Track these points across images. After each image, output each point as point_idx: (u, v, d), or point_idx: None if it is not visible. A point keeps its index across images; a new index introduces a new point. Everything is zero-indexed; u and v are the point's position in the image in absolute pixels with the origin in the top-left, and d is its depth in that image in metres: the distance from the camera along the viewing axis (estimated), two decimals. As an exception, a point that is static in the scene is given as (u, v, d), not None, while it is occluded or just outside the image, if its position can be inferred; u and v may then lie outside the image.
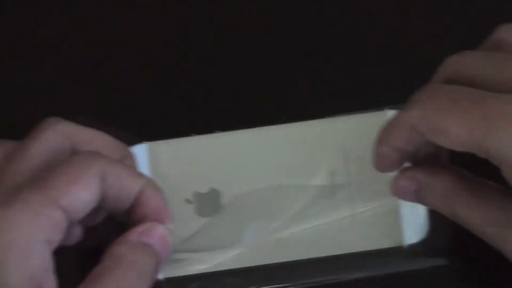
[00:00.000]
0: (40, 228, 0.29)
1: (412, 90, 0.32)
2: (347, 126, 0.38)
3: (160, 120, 0.42)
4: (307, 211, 0.37)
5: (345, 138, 0.38)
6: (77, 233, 0.34)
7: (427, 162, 0.34)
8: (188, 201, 0.38)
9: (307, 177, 0.38)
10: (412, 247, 0.37)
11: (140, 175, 0.34)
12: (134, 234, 0.32)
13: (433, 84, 0.32)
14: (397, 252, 0.37)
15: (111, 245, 0.32)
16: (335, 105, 0.39)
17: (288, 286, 0.37)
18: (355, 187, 0.37)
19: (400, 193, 0.35)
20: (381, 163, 0.34)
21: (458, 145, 0.30)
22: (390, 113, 0.38)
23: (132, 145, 0.38)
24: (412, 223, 0.36)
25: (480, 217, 0.32)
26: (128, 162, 0.35)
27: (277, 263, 0.37)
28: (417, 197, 0.34)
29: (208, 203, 0.37)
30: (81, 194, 0.31)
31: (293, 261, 0.37)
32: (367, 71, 0.42)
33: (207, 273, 0.37)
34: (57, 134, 0.33)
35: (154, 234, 0.33)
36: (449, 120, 0.29)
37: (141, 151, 0.38)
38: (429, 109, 0.30)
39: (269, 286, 0.37)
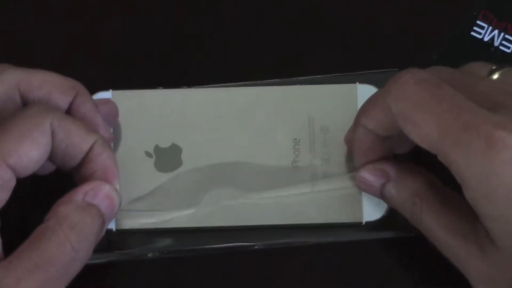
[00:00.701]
0: None
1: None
2: (315, 95, 0.38)
3: (126, 71, 0.41)
4: (267, 178, 0.37)
5: (312, 107, 0.38)
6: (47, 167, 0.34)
7: (396, 161, 0.34)
8: (148, 154, 0.37)
9: (271, 141, 0.37)
10: (371, 224, 0.37)
11: (91, 131, 0.32)
12: (79, 194, 0.31)
13: (425, 71, 0.31)
14: (356, 227, 0.37)
15: (55, 204, 0.31)
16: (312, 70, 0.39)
17: (239, 246, 0.37)
18: (317, 158, 0.37)
19: (364, 185, 0.35)
20: (357, 148, 0.34)
21: (424, 142, 0.29)
22: (359, 88, 0.38)
23: (96, 92, 0.37)
24: (372, 201, 0.36)
25: (446, 226, 0.31)
26: (82, 99, 0.34)
27: (231, 226, 0.37)
28: (381, 193, 0.34)
29: (168, 158, 0.37)
30: (30, 152, 0.30)
31: (245, 225, 0.37)
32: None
33: (160, 228, 0.37)
34: (5, 83, 0.32)
35: (100, 194, 0.32)
36: (425, 115, 0.29)
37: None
38: (410, 97, 0.30)
39: (220, 245, 0.37)
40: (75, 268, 0.30)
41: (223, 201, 0.37)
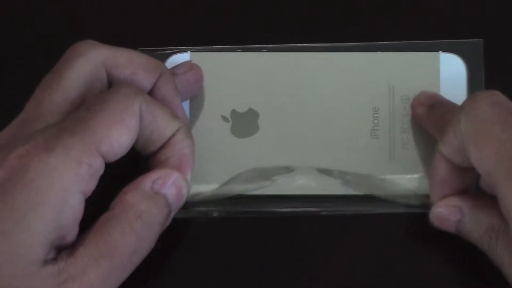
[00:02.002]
0: (79, 179, 0.27)
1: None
2: (396, 63, 0.37)
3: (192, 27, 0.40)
4: (344, 147, 0.36)
5: (393, 75, 0.37)
6: None
7: (471, 194, 0.33)
8: (225, 118, 0.36)
9: (349, 109, 0.36)
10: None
11: (176, 118, 0.32)
12: (148, 182, 0.30)
13: (503, 95, 0.30)
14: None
15: (122, 191, 0.30)
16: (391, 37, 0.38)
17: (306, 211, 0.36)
18: (396, 128, 0.36)
19: (439, 221, 0.33)
20: (434, 177, 0.33)
21: (480, 166, 0.29)
22: (442, 56, 0.37)
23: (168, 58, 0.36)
24: None
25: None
26: (165, 80, 0.33)
27: (306, 194, 0.36)
28: (456, 228, 0.33)
29: (245, 123, 0.36)
30: (121, 138, 0.29)
31: (320, 194, 0.36)
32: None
33: (233, 195, 0.36)
34: (93, 61, 0.31)
35: (168, 182, 0.31)
36: (488, 138, 0.28)
37: (182, 60, 0.36)
38: (479, 116, 0.29)
39: (289, 209, 0.36)
40: (139, 257, 0.29)
41: (299, 170, 0.36)
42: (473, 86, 0.37)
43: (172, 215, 0.31)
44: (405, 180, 0.36)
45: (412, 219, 0.36)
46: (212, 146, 0.36)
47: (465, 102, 0.30)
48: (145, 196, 0.30)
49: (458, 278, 0.36)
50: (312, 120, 0.36)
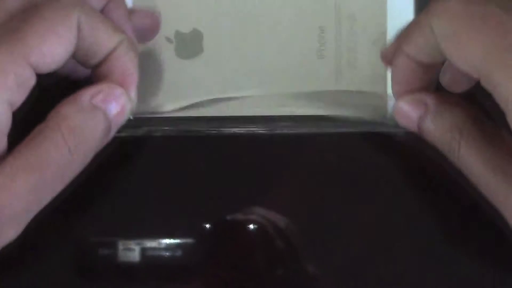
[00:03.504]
0: (5, 89, 0.27)
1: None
2: None
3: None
4: (290, 68, 0.36)
5: None
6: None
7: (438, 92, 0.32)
8: (168, 39, 0.36)
9: (295, 29, 0.36)
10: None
11: (118, 31, 0.31)
12: (86, 95, 0.29)
13: None
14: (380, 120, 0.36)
15: (59, 104, 0.29)
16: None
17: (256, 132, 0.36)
18: (343, 48, 0.36)
19: (400, 116, 0.32)
20: (395, 76, 0.32)
21: (466, 63, 0.27)
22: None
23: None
24: None
25: (486, 162, 0.29)
26: (116, 4, 0.32)
27: (252, 115, 0.36)
28: (418, 125, 0.32)
29: (189, 44, 0.36)
30: (54, 50, 0.28)
31: (266, 115, 0.36)
32: None
33: (180, 117, 0.36)
34: None
35: (109, 98, 0.30)
36: (470, 34, 0.27)
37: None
38: (454, 15, 0.28)
39: (237, 129, 0.36)
40: (71, 172, 0.29)
41: (244, 90, 0.36)
42: (420, 2, 0.36)
43: (112, 133, 0.31)
44: (352, 98, 0.36)
45: (360, 138, 0.36)
46: (156, 67, 0.35)
47: (432, 6, 0.29)
48: (82, 109, 0.29)
49: (409, 193, 0.36)
50: (257, 40, 0.36)
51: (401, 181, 0.37)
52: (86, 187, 0.33)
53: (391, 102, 0.35)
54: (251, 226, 0.37)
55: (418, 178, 0.37)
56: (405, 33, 0.31)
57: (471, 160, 0.30)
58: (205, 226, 0.37)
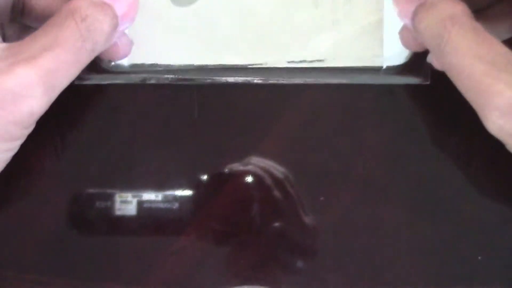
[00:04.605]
0: None
1: None
2: None
3: None
4: (285, 16, 0.35)
5: None
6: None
7: None
8: (163, -14, 0.35)
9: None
10: (392, 69, 0.35)
11: None
12: None
13: None
14: (376, 71, 0.35)
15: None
16: None
17: (250, 81, 0.35)
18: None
19: (399, 9, 0.32)
20: None
21: None
22: None
23: None
24: (394, 45, 0.35)
25: (474, 49, 0.28)
26: None
27: (246, 64, 0.35)
28: (412, 17, 0.31)
29: (184, -9, 0.35)
30: None
31: (259, 64, 0.35)
32: None
33: (173, 65, 0.35)
34: None
35: None
36: None
37: None
38: None
39: (230, 78, 0.35)
40: (83, 60, 0.30)
41: (240, 40, 0.35)
42: None
43: (118, 31, 0.32)
44: (347, 50, 0.35)
45: (356, 89, 0.36)
46: (152, 15, 0.35)
47: None
48: (92, 3, 0.30)
49: (405, 145, 0.36)
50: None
51: (397, 133, 0.37)
52: (82, 136, 0.33)
53: (388, 48, 0.35)
54: (249, 178, 0.37)
55: (413, 129, 0.37)
56: None
57: (459, 48, 0.29)
58: (202, 178, 0.37)
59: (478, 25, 0.29)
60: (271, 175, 0.37)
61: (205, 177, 0.37)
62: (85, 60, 0.30)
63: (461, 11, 0.30)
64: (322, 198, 0.36)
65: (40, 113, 0.29)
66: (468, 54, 0.28)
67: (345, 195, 0.36)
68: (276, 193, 0.37)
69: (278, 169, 0.37)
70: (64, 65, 0.29)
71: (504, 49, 0.28)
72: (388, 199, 0.36)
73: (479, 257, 0.36)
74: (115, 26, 0.31)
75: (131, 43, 0.34)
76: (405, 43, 0.33)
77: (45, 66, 0.28)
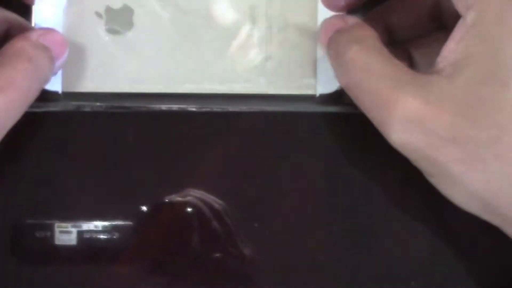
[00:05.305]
0: None
1: None
2: None
3: None
4: (220, 43, 0.36)
5: None
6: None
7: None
8: (98, 15, 0.35)
9: (226, 5, 0.35)
10: (324, 97, 0.36)
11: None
12: (34, 34, 0.32)
13: None
14: (308, 99, 0.36)
15: (10, 42, 0.31)
16: None
17: (183, 109, 0.36)
18: (273, 25, 0.35)
19: (324, 27, 0.33)
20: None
21: None
22: None
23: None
24: (328, 74, 0.35)
25: (379, 68, 0.29)
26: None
27: (179, 93, 0.36)
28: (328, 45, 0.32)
29: (120, 20, 0.35)
30: None
31: (193, 93, 0.36)
32: None
33: (108, 93, 0.35)
34: None
35: (52, 38, 0.32)
36: None
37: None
38: None
39: (165, 106, 0.35)
40: (32, 97, 0.31)
41: (174, 65, 0.35)
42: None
43: (55, 70, 0.33)
44: (281, 78, 0.36)
45: (290, 118, 0.36)
46: (87, 43, 0.35)
47: None
48: (33, 44, 0.31)
49: (340, 170, 0.36)
50: (187, 14, 0.35)
51: (332, 160, 0.36)
52: (17, 165, 0.34)
53: (321, 76, 0.35)
54: (188, 209, 0.37)
55: (348, 157, 0.36)
56: None
57: (363, 66, 0.29)
58: (142, 209, 0.37)
59: (384, 49, 0.30)
60: (209, 206, 0.36)
61: (144, 207, 0.36)
62: (33, 97, 0.31)
63: (369, 35, 0.30)
64: (256, 225, 0.36)
65: None
66: (373, 71, 0.29)
67: (284, 226, 0.36)
68: (215, 224, 0.36)
69: (216, 200, 0.36)
70: (15, 105, 0.30)
71: (408, 68, 0.29)
72: (331, 229, 0.36)
73: (412, 283, 0.36)
74: (53, 67, 0.32)
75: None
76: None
77: None
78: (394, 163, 0.31)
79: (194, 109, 0.35)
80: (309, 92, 0.35)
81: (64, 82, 0.35)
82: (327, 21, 0.33)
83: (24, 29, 0.34)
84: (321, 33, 0.33)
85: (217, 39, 0.36)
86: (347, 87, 0.30)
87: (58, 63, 0.33)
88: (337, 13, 0.34)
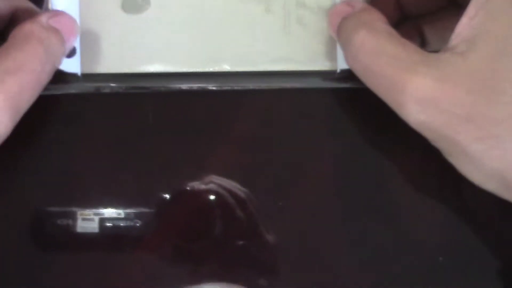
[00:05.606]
0: None
1: None
2: None
3: None
4: (237, 22, 0.35)
5: None
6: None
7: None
8: (115, -6, 0.35)
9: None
10: (345, 72, 0.34)
11: None
12: (44, 16, 0.31)
13: None
14: (329, 75, 0.35)
15: (19, 25, 0.31)
16: None
17: (204, 88, 0.35)
18: (293, 3, 0.35)
19: (332, 15, 0.33)
20: None
21: None
22: None
23: None
24: None
25: (389, 50, 0.28)
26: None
27: (201, 71, 0.35)
28: (337, 31, 0.32)
29: (136, -1, 0.35)
30: None
31: (213, 71, 0.35)
32: None
33: (127, 73, 0.35)
34: None
35: (63, 20, 0.32)
36: None
37: None
38: None
39: (185, 85, 0.35)
40: (45, 79, 0.31)
41: (191, 47, 0.35)
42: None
43: (65, 53, 0.33)
44: (300, 54, 0.35)
45: (307, 94, 0.35)
46: (104, 24, 0.35)
47: None
48: (43, 27, 0.31)
49: (362, 149, 0.35)
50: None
51: (353, 137, 0.35)
52: (39, 150, 0.34)
53: (340, 56, 0.34)
54: (211, 196, 0.36)
55: (367, 133, 0.36)
56: None
57: (373, 49, 0.29)
58: (164, 196, 0.36)
59: (393, 31, 0.29)
60: (232, 193, 0.36)
61: (166, 194, 0.36)
62: (46, 80, 0.31)
63: (376, 18, 0.30)
64: (280, 203, 0.35)
65: (6, 136, 0.29)
66: (383, 54, 0.28)
67: (302, 204, 0.35)
68: (238, 211, 0.36)
69: (238, 188, 0.36)
70: (28, 88, 0.30)
71: (419, 49, 0.28)
72: (354, 214, 0.35)
73: (440, 258, 0.35)
74: (64, 50, 0.32)
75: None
76: None
77: (10, 91, 0.29)
78: (415, 138, 0.30)
79: (214, 88, 0.34)
80: (330, 67, 0.34)
81: (82, 63, 0.34)
82: (333, 9, 0.33)
83: (30, 12, 0.34)
84: (329, 22, 0.33)
85: (235, 17, 0.35)
86: (359, 73, 0.30)
87: (69, 44, 0.33)
88: None
